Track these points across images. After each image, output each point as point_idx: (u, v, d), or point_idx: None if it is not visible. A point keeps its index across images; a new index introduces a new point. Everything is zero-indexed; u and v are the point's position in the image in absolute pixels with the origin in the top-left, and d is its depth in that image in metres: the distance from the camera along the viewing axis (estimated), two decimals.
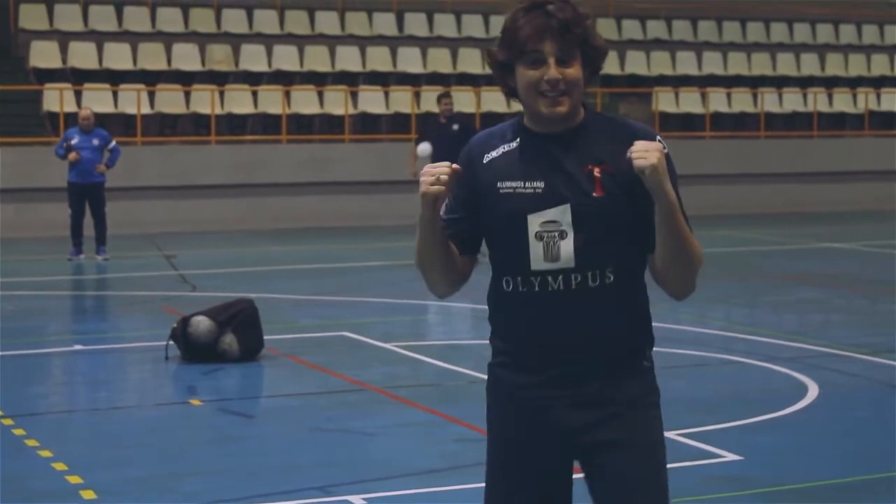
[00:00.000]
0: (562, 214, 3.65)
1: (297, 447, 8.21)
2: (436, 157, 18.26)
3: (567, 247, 3.65)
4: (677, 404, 9.35)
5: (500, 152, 3.76)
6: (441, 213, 3.70)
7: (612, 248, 3.67)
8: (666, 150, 3.60)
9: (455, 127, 18.43)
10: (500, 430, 3.82)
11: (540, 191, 3.67)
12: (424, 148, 18.52)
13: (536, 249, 3.66)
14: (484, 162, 3.76)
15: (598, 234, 3.65)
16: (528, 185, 3.69)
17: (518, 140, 3.75)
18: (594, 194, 3.64)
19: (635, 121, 3.82)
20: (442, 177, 3.60)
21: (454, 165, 3.65)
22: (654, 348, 3.80)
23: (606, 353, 3.70)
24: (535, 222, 3.66)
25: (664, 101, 29.47)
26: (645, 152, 3.53)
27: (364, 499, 6.93)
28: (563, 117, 3.66)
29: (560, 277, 3.66)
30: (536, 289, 3.67)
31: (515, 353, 3.76)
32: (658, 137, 3.66)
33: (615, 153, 3.64)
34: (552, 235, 3.65)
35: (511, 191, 3.70)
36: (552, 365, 3.70)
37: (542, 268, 3.66)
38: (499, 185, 3.72)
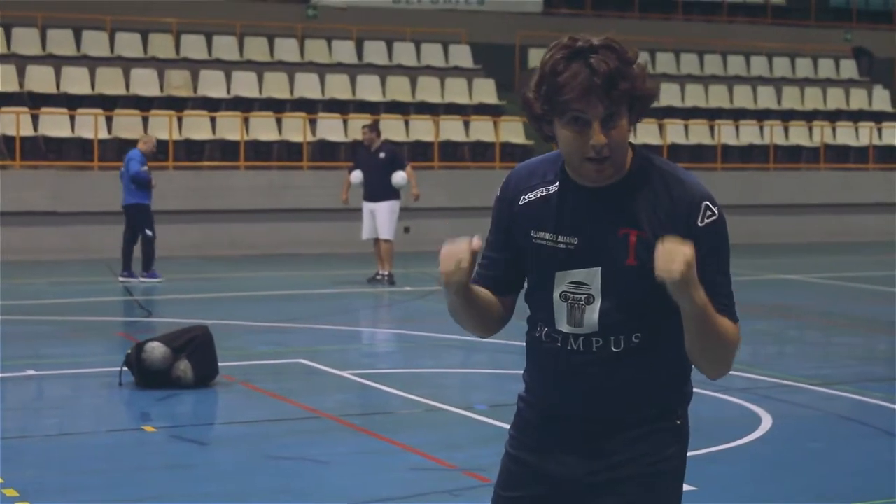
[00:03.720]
0: (592, 278, 3.47)
1: (251, 475, 8.17)
2: (365, 184, 18.77)
3: (592, 314, 3.48)
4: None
5: (538, 195, 3.55)
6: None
7: (640, 313, 3.48)
8: (713, 218, 3.41)
9: (382, 155, 18.69)
10: (513, 456, 3.71)
11: (572, 248, 3.48)
12: (357, 175, 18.92)
13: (560, 310, 3.51)
14: (520, 203, 3.57)
15: (628, 301, 3.46)
16: (560, 239, 3.50)
17: (558, 185, 3.53)
18: (626, 262, 3.43)
19: (688, 174, 3.52)
20: (463, 264, 3.39)
21: (474, 243, 3.39)
22: (684, 404, 3.67)
23: (630, 411, 3.55)
24: (562, 281, 3.50)
25: None
26: (668, 262, 3.22)
27: None
28: (606, 179, 3.45)
29: (581, 340, 3.51)
30: (558, 344, 3.54)
31: (539, 394, 3.65)
32: (708, 200, 3.43)
33: (652, 217, 3.43)
34: (578, 299, 3.48)
35: (543, 242, 3.52)
36: (569, 417, 3.58)
37: (565, 330, 3.52)
38: (532, 233, 3.54)
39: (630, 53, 3.38)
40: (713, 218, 3.42)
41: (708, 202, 3.42)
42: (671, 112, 30.99)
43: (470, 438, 9.17)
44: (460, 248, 3.39)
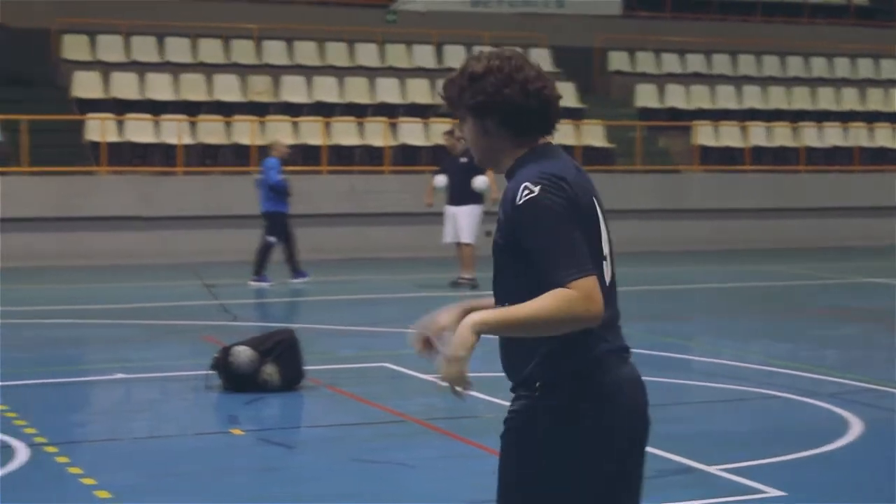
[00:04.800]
0: None
1: (337, 478, 8.21)
2: (448, 188, 19.14)
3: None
4: (718, 439, 9.33)
5: None
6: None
7: (504, 289, 3.97)
8: (529, 196, 3.81)
9: (464, 160, 18.71)
10: None
11: None
12: (440, 179, 19.20)
13: None
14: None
15: (496, 270, 4.03)
16: None
17: None
18: (495, 237, 4.00)
19: (528, 173, 3.89)
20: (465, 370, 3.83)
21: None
22: (568, 379, 3.88)
23: (509, 378, 4.02)
24: None
25: (704, 135, 29.42)
26: (444, 370, 3.80)
27: None
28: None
29: None
30: None
31: None
32: (529, 181, 3.85)
33: (504, 205, 3.93)
34: None
35: None
36: None
37: None
38: None
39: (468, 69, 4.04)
40: (529, 196, 3.81)
41: (528, 183, 3.83)
42: (753, 115, 30.76)
43: None
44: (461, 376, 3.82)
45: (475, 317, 3.78)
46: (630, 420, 3.96)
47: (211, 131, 26.00)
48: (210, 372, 11.14)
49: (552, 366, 3.88)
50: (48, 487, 7.95)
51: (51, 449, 8.86)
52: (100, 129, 24.81)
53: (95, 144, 24.87)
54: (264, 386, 10.96)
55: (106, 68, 26.93)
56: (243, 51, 28.49)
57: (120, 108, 25.96)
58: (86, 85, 26.39)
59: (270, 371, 10.99)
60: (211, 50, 28.24)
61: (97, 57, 27.31)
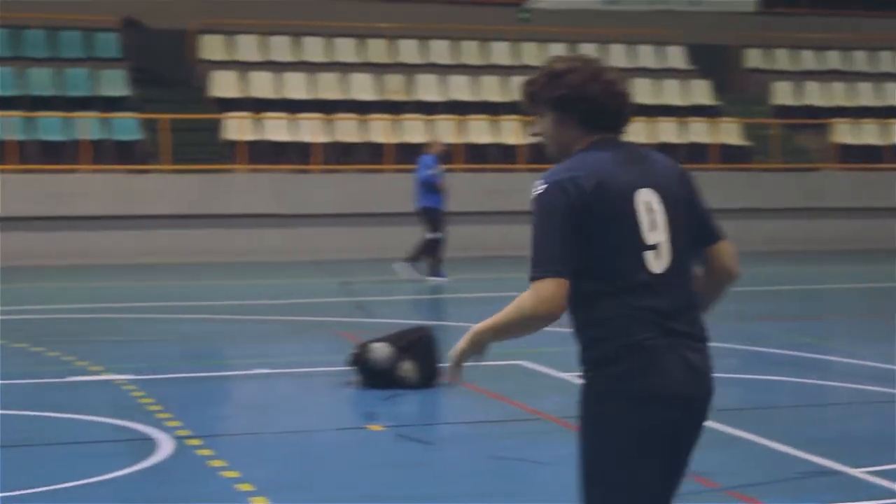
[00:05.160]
0: None
1: (473, 475, 8.23)
2: None
3: None
4: (862, 442, 9.17)
5: None
6: None
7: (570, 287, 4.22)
8: (533, 194, 4.17)
9: None
10: None
11: None
12: None
13: None
14: None
15: None
16: None
17: None
18: None
19: (555, 169, 4.26)
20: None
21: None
22: (597, 364, 4.18)
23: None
24: None
25: (842, 133, 28.96)
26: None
27: None
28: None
29: None
30: None
31: None
32: (541, 180, 4.22)
33: None
34: None
35: None
36: None
37: None
38: None
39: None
40: (535, 193, 4.19)
41: (541, 180, 4.21)
42: (894, 112, 30.18)
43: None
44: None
45: (475, 326, 4.27)
46: (655, 407, 4.12)
47: (346, 130, 26.24)
48: (348, 368, 11.24)
49: (589, 352, 4.21)
50: (192, 480, 8.09)
51: (194, 442, 9.02)
52: (237, 127, 25.18)
53: (233, 143, 25.25)
54: (401, 382, 11.03)
55: (243, 68, 27.32)
56: (378, 50, 28.69)
57: (257, 107, 26.32)
58: (224, 84, 26.80)
59: (408, 368, 11.07)
60: (346, 49, 28.50)
61: (235, 57, 27.71)
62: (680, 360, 4.15)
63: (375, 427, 9.92)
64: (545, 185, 4.17)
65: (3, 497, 7.53)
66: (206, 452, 8.71)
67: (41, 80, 26.03)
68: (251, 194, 24.19)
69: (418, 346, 11.18)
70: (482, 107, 27.62)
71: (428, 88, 27.82)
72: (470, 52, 29.24)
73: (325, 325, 15.25)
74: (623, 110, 4.33)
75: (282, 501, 7.43)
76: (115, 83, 26.42)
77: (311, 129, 25.63)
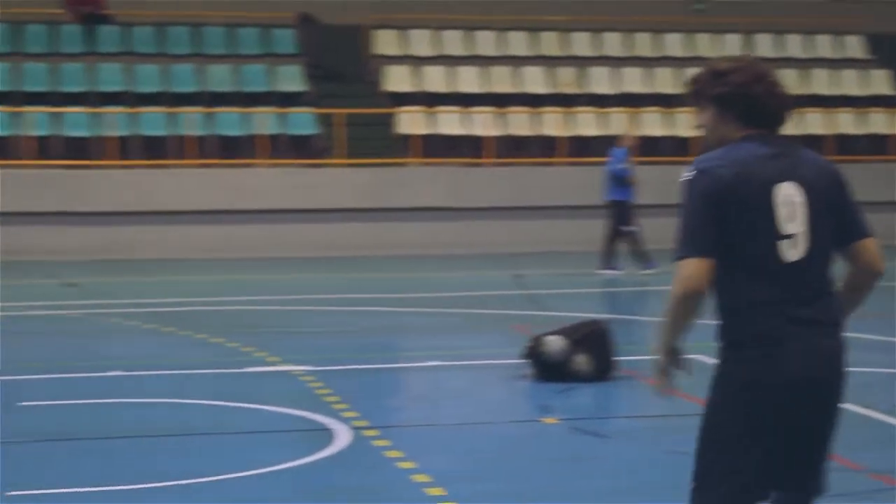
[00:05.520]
0: None
1: (649, 469, 8.19)
2: None
3: None
4: None
5: None
6: None
7: None
8: (683, 179, 4.48)
9: None
10: None
11: None
12: None
13: None
14: None
15: None
16: None
17: None
18: None
19: (704, 156, 4.56)
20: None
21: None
22: (726, 347, 4.50)
23: None
24: None
25: None
26: None
27: None
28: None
29: None
30: None
31: None
32: (691, 166, 4.53)
33: None
34: None
35: None
36: None
37: None
38: None
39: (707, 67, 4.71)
40: (684, 178, 4.50)
41: (691, 167, 4.53)
42: None
43: (873, 440, 8.89)
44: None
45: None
46: (772, 393, 4.43)
47: (518, 123, 26.28)
48: (522, 361, 11.27)
49: (722, 334, 4.53)
50: (369, 470, 8.20)
51: (370, 432, 9.13)
52: (411, 121, 25.39)
53: (406, 137, 25.47)
54: (575, 375, 11.02)
55: (417, 62, 27.54)
56: (550, 43, 28.66)
57: (430, 101, 26.51)
58: (397, 79, 27.05)
59: (582, 360, 11.05)
60: (519, 43, 28.53)
61: (408, 52, 27.94)
62: (805, 347, 4.43)
63: (549, 420, 9.93)
64: (693, 172, 4.49)
65: (185, 484, 7.73)
66: (382, 443, 8.81)
67: (220, 77, 26.59)
68: (424, 188, 24.39)
69: (592, 339, 11.15)
70: (655, 99, 27.41)
71: (600, 81, 27.71)
72: (643, 45, 29.03)
73: (498, 318, 15.31)
74: (781, 111, 4.63)
75: (457, 493, 7.48)
76: (291, 79, 26.86)
77: (483, 123, 25.73)
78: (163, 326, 14.60)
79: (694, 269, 4.39)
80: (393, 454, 8.49)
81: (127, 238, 23.48)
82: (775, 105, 4.61)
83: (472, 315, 15.72)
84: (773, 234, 4.42)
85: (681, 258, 4.43)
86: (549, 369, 11.09)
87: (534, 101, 26.98)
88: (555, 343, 11.12)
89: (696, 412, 9.76)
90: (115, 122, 24.57)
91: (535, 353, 11.18)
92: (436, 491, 7.53)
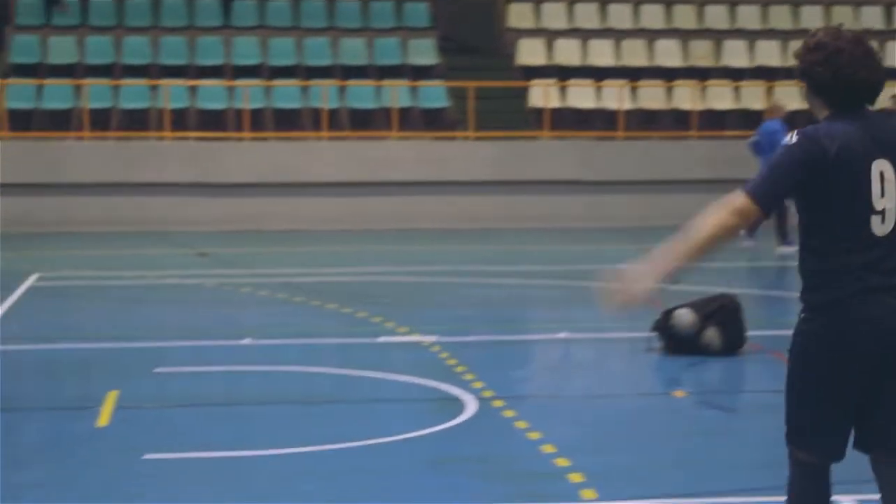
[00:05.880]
0: None
1: (778, 445, 8.06)
2: None
3: None
4: None
5: None
6: None
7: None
8: (783, 142, 4.72)
9: None
10: None
11: None
12: None
13: None
14: None
15: None
16: None
17: None
18: None
19: (806, 127, 4.75)
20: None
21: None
22: (809, 310, 4.73)
23: None
24: None
25: None
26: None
27: (856, 500, 6.75)
28: None
29: None
30: None
31: None
32: (790, 138, 4.71)
33: None
34: None
35: None
36: None
37: None
38: None
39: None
40: (783, 142, 4.72)
41: (793, 133, 4.72)
42: None
43: None
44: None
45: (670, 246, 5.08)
46: (848, 356, 4.68)
47: (651, 96, 26.05)
48: (651, 334, 11.20)
49: (807, 296, 4.76)
50: (497, 439, 8.23)
51: (498, 403, 9.15)
52: (543, 95, 25.32)
53: (538, 110, 25.39)
54: (705, 350, 10.92)
55: (550, 35, 27.42)
56: (685, 16, 28.33)
57: (563, 74, 26.39)
58: (530, 52, 26.97)
59: (712, 335, 10.94)
60: (653, 16, 28.24)
61: (541, 24, 27.82)
62: (884, 312, 4.67)
63: (679, 393, 9.87)
64: (796, 137, 4.68)
65: (317, 450, 7.82)
66: (509, 413, 8.82)
67: (354, 50, 26.75)
68: (555, 161, 24.31)
69: (723, 314, 11.04)
70: (791, 72, 26.95)
71: (736, 54, 27.34)
72: (780, 17, 28.57)
73: None
74: (877, 88, 4.81)
75: (583, 464, 7.46)
76: (424, 52, 26.92)
77: (616, 96, 25.56)
78: (293, 296, 14.77)
79: (746, 207, 4.66)
80: (520, 425, 8.50)
81: (259, 209, 23.77)
82: (872, 82, 4.76)
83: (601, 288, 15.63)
84: (868, 210, 4.66)
85: (745, 191, 4.68)
86: (678, 343, 11.00)
87: (667, 74, 26.71)
88: (685, 317, 11.02)
89: None
90: (249, 95, 24.86)
91: (664, 327, 11.10)
92: (563, 461, 7.53)
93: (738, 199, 4.68)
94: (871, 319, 4.67)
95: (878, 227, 4.67)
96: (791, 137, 4.69)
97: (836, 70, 4.71)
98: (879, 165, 4.67)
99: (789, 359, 4.87)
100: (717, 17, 28.39)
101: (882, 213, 4.67)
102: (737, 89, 26.29)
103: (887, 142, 4.71)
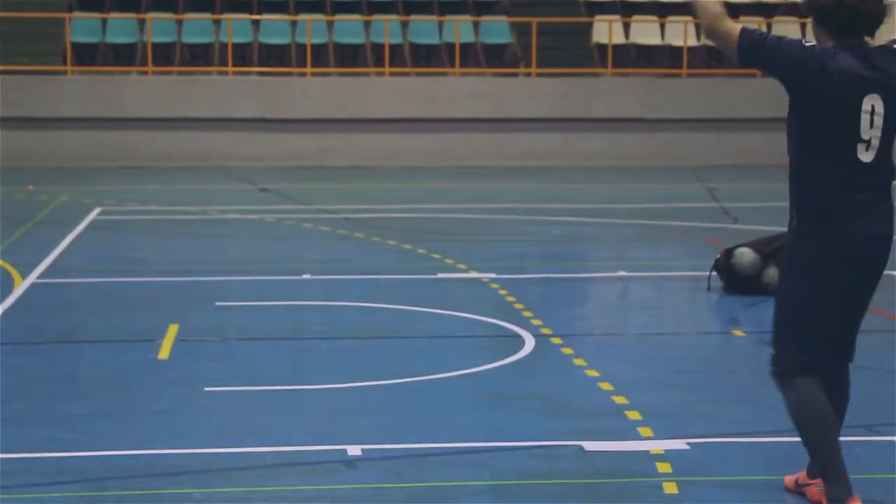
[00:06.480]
0: None
1: None
2: None
3: None
4: None
5: None
6: None
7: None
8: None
9: None
10: None
11: None
12: None
13: None
14: None
15: None
16: None
17: None
18: None
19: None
20: None
21: None
22: (804, 215, 5.31)
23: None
24: None
25: None
26: None
27: None
28: None
29: None
30: None
31: None
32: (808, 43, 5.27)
33: None
34: None
35: None
36: None
37: None
38: None
39: None
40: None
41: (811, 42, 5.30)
42: None
43: None
44: None
45: None
46: (833, 254, 5.29)
47: None
48: (711, 273, 11.14)
49: (798, 204, 5.35)
50: (555, 376, 8.23)
51: (556, 340, 9.16)
52: (606, 31, 25.11)
53: (602, 47, 25.20)
54: (766, 289, 10.84)
55: None
56: None
57: (626, 10, 26.15)
58: None
59: (773, 274, 10.86)
60: None
61: None
62: (864, 232, 5.27)
63: (738, 332, 9.83)
64: (813, 44, 5.24)
65: (376, 385, 7.86)
66: (567, 351, 8.83)
67: None
68: (617, 99, 24.14)
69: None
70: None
71: None
72: None
73: (689, 231, 15.15)
74: (878, 19, 5.21)
75: (640, 401, 7.46)
76: None
77: (681, 33, 25.30)
78: (353, 232, 14.81)
79: (732, 31, 5.27)
80: (578, 362, 8.50)
81: (320, 145, 23.80)
82: (870, 13, 5.18)
83: (663, 227, 15.58)
84: (855, 138, 5.20)
85: (742, 26, 5.27)
86: (739, 282, 10.94)
87: (732, 10, 26.38)
88: (746, 255, 10.96)
89: (886, 328, 9.59)
90: (311, 29, 24.80)
91: (725, 266, 11.04)
92: (620, 399, 7.53)
93: (734, 24, 5.28)
94: (851, 236, 5.26)
95: (864, 154, 5.22)
96: (809, 42, 5.23)
97: (838, 2, 5.16)
98: (871, 99, 5.17)
99: (783, 264, 5.55)
100: None
101: (868, 142, 5.21)
102: (803, 25, 25.95)
103: (880, 79, 5.18)
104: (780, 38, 5.27)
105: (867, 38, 5.25)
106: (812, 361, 5.47)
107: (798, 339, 5.45)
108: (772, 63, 5.25)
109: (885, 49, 5.25)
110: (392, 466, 6.29)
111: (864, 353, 8.55)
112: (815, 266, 5.32)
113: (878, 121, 5.19)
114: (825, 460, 5.45)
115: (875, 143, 5.22)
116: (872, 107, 5.18)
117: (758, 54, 5.24)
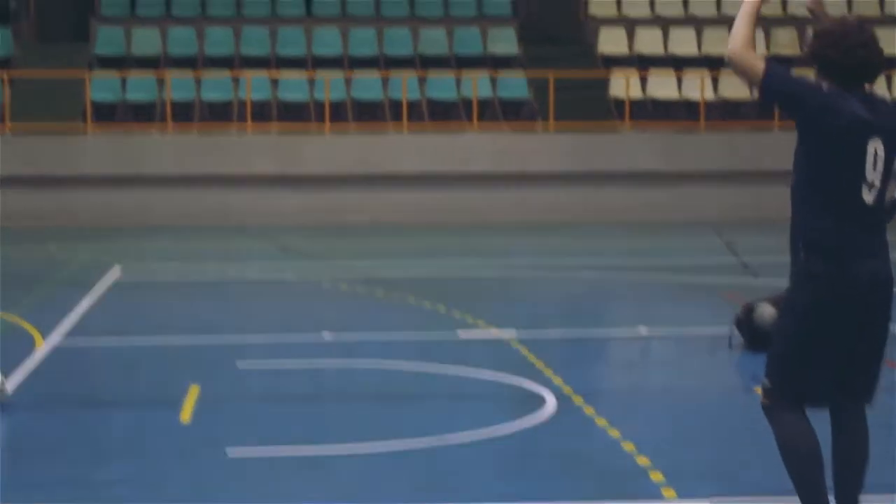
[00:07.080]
0: None
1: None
2: None
3: None
4: None
5: None
6: None
7: None
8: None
9: None
10: None
11: None
12: None
13: None
14: None
15: None
16: None
17: None
18: None
19: None
20: None
21: None
22: (808, 254, 5.41)
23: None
24: None
25: None
26: None
27: None
28: None
29: None
30: None
31: None
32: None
33: None
34: None
35: None
36: None
37: None
38: None
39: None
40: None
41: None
42: None
43: None
44: None
45: None
46: (836, 293, 5.39)
47: (733, 87, 25.79)
48: (733, 330, 11.10)
49: (800, 243, 5.45)
50: (578, 436, 8.20)
51: (578, 399, 9.12)
52: (624, 85, 25.18)
53: (619, 101, 25.26)
54: None
55: (631, 25, 27.26)
56: (769, 4, 27.94)
57: (643, 64, 26.23)
58: (611, 41, 26.84)
59: None
60: (734, 4, 27.87)
61: (623, 13, 27.67)
62: (865, 272, 5.40)
63: (760, 390, 9.75)
64: (828, 87, 5.42)
65: (398, 447, 7.84)
66: (589, 411, 8.79)
67: (434, 40, 26.75)
68: (636, 153, 24.18)
69: None
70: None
71: None
72: (869, 6, 28.20)
73: (710, 286, 15.11)
74: (878, 68, 5.46)
75: (663, 462, 7.42)
76: (504, 41, 26.86)
77: (697, 86, 25.36)
78: (373, 290, 14.81)
79: (758, 65, 5.37)
80: (600, 422, 8.47)
81: (339, 202, 23.85)
82: (871, 63, 5.42)
83: (682, 283, 15.56)
84: (861, 179, 5.39)
85: (766, 61, 5.40)
86: (760, 338, 10.89)
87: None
88: (767, 311, 10.91)
89: None
90: (330, 86, 24.93)
91: (746, 322, 11.00)
92: (643, 460, 7.49)
93: (760, 59, 5.39)
94: (856, 275, 5.39)
95: (867, 195, 5.41)
96: (824, 84, 5.43)
97: (843, 51, 5.38)
98: (874, 143, 5.39)
99: (782, 307, 5.68)
100: (800, 5, 28.07)
101: (871, 184, 5.41)
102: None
103: (882, 123, 5.41)
104: (800, 76, 5.49)
105: (867, 85, 5.49)
106: (802, 396, 5.59)
107: (791, 373, 5.56)
108: (790, 98, 5.44)
109: (883, 97, 5.53)
110: None
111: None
112: (816, 303, 5.43)
113: (880, 164, 5.41)
114: (806, 496, 5.64)
115: (877, 184, 5.42)
116: (875, 150, 5.40)
117: (780, 88, 5.41)
